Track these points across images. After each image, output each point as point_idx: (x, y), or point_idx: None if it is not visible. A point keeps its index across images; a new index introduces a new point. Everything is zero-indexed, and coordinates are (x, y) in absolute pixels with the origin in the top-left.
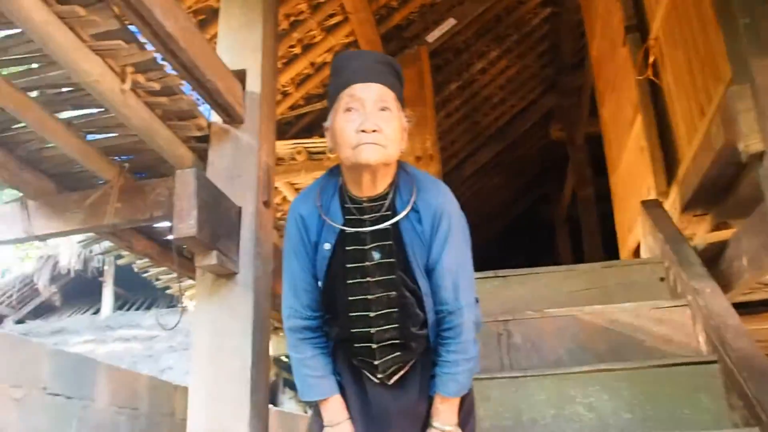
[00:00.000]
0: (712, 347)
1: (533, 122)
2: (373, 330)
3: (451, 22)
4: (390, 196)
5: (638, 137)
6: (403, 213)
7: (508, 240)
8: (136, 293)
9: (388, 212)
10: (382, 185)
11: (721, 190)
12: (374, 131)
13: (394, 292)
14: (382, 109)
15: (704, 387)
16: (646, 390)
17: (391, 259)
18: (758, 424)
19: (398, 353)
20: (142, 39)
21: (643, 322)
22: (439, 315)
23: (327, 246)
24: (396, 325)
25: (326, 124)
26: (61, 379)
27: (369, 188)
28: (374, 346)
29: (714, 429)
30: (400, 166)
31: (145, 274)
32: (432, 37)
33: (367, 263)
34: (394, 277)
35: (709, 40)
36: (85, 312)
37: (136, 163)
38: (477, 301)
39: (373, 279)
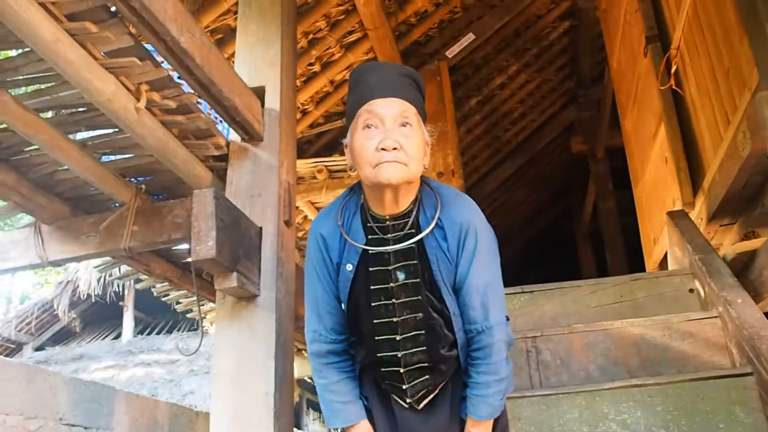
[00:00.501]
0: (746, 359)
1: (554, 136)
2: (400, 354)
3: (470, 37)
4: (413, 213)
5: (662, 148)
6: (427, 230)
7: (530, 255)
8: (157, 317)
9: (412, 230)
10: (404, 203)
11: (747, 199)
12: (395, 149)
13: (420, 314)
14: (403, 125)
15: (739, 400)
16: (680, 405)
17: (416, 279)
18: None
19: (427, 376)
20: (157, 56)
21: (675, 335)
22: (469, 335)
23: (349, 267)
24: (424, 348)
25: (345, 141)
26: (78, 408)
27: (391, 206)
28: (402, 370)
29: None
30: (423, 181)
31: (164, 298)
32: (451, 52)
33: (391, 284)
34: (419, 297)
35: (733, 48)
36: (105, 337)
37: (152, 184)
38: (507, 319)
39: (398, 301)
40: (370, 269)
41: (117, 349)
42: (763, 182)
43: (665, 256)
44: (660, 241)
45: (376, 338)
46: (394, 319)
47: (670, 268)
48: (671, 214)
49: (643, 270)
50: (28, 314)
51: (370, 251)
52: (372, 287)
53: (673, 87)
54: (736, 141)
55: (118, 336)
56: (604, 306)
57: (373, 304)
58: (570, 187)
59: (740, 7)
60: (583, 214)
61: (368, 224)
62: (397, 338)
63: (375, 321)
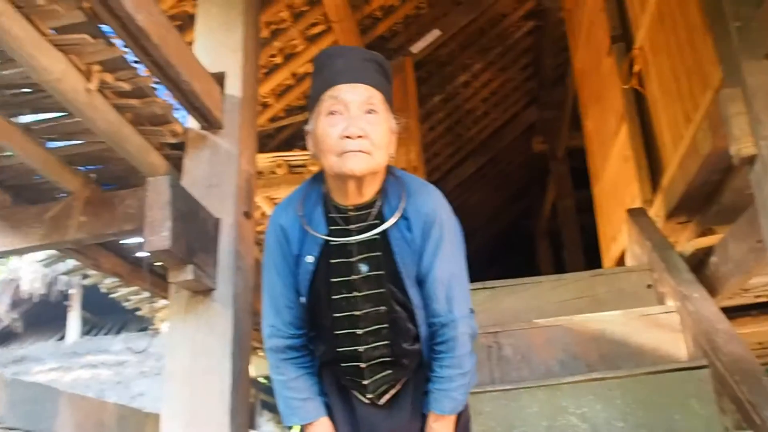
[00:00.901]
0: (702, 352)
1: (515, 135)
2: (361, 348)
3: (435, 33)
4: (378, 203)
5: (623, 147)
6: (392, 221)
7: (491, 253)
8: (105, 317)
9: (376, 221)
10: (369, 192)
11: (705, 197)
12: (360, 137)
13: (383, 307)
14: (369, 112)
15: (695, 392)
16: (638, 398)
17: (380, 272)
18: (752, 428)
19: (389, 371)
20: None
21: (633, 330)
22: (432, 328)
23: (310, 259)
24: (386, 342)
25: (307, 128)
26: (17, 411)
27: (355, 196)
28: (363, 365)
29: None
30: (389, 170)
31: (113, 295)
32: (416, 47)
33: (353, 277)
34: (383, 290)
35: (696, 47)
36: (49, 338)
37: (103, 173)
38: (472, 311)
39: (361, 294)
40: (332, 261)
41: (61, 350)
42: (720, 180)
43: (623, 253)
44: (618, 238)
45: (337, 333)
46: (356, 313)
47: (628, 264)
48: (630, 212)
49: (601, 268)
50: None
51: (332, 242)
52: (333, 280)
53: (636, 87)
54: (697, 139)
55: (63, 337)
56: (564, 301)
57: (334, 297)
58: (530, 187)
59: (705, 6)
60: (542, 213)
61: (330, 215)
62: (359, 332)
63: (336, 315)
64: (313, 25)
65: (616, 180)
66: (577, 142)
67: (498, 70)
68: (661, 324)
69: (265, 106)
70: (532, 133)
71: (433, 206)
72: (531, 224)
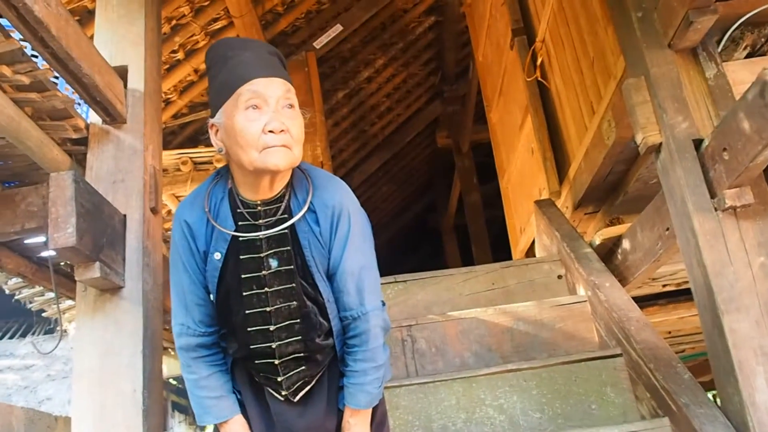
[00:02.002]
0: (615, 340)
1: (419, 131)
2: (274, 345)
3: (337, 28)
4: (285, 197)
5: (528, 139)
6: (299, 214)
7: (398, 248)
8: (9, 319)
9: (284, 215)
10: (278, 187)
11: (611, 187)
12: (282, 131)
13: (294, 302)
14: (287, 107)
15: (610, 381)
16: (554, 388)
17: (290, 266)
18: (668, 414)
19: (303, 367)
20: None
21: (546, 320)
22: (344, 322)
23: (217, 255)
24: (299, 338)
25: (215, 121)
26: None
27: (265, 192)
28: (277, 361)
29: (623, 422)
30: None
31: (17, 297)
32: (319, 42)
33: (263, 272)
34: (293, 285)
35: (598, 39)
36: None
37: (3, 170)
38: (383, 304)
39: (272, 289)
40: (241, 257)
41: None
42: (626, 170)
43: (531, 245)
44: (527, 230)
45: (249, 329)
46: (268, 309)
47: (538, 255)
48: (538, 203)
49: (510, 260)
50: None
51: (241, 238)
52: (243, 276)
53: (539, 79)
54: (601, 130)
55: None
56: (476, 293)
57: (244, 293)
58: (436, 181)
59: None
60: (448, 208)
61: (238, 210)
62: (271, 328)
63: (247, 311)
64: (215, 20)
65: (522, 172)
66: (481, 136)
67: (401, 66)
68: (572, 314)
69: (168, 102)
70: (436, 127)
71: (340, 198)
72: (437, 219)
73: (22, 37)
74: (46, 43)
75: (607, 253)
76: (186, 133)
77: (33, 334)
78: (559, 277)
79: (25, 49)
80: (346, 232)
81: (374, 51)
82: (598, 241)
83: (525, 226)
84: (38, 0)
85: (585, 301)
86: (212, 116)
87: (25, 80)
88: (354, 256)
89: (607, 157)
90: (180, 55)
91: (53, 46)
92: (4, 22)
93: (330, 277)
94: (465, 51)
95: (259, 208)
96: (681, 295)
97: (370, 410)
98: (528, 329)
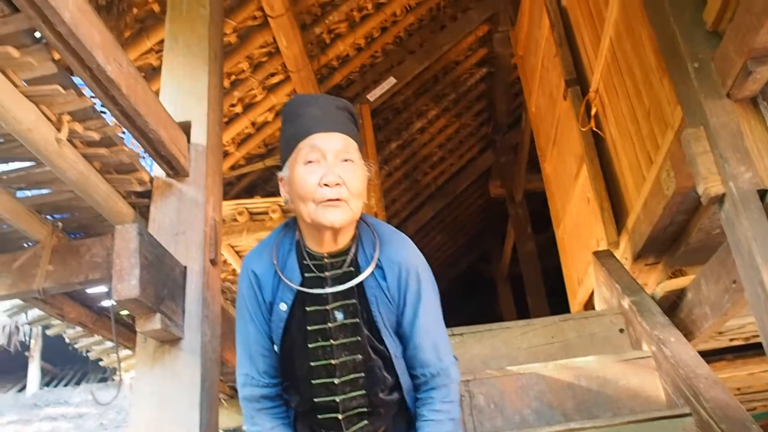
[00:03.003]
0: (683, 399)
1: (472, 180)
2: (338, 398)
3: (391, 81)
4: (352, 251)
5: (584, 189)
6: (368, 271)
7: (451, 299)
8: (65, 368)
9: (351, 268)
10: (343, 240)
11: (672, 238)
12: (337, 185)
13: (359, 356)
14: (345, 161)
15: None
16: None
17: (355, 320)
18: None
19: (366, 422)
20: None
21: (608, 376)
22: (422, 379)
23: (283, 306)
24: (363, 392)
25: (281, 174)
26: None
27: (330, 244)
28: (340, 416)
29: None
30: (361, 217)
31: (76, 345)
32: (373, 95)
33: (329, 324)
34: (359, 338)
35: (653, 89)
36: (9, 390)
37: (70, 221)
38: (456, 359)
39: (337, 342)
40: (307, 309)
41: (21, 402)
42: (687, 220)
43: (590, 297)
44: (585, 281)
45: (313, 382)
46: (332, 362)
47: (597, 308)
48: (597, 254)
49: (566, 312)
50: None
51: (308, 290)
52: (309, 328)
53: (594, 129)
54: (660, 180)
55: (23, 388)
56: (535, 347)
57: (309, 345)
58: (489, 231)
59: (661, 47)
60: (502, 258)
61: (304, 262)
62: (336, 382)
63: (312, 363)
64: (272, 75)
65: (578, 222)
66: (535, 185)
67: (453, 116)
68: (637, 370)
69: (226, 154)
70: (489, 177)
71: (407, 256)
72: (491, 268)
73: (92, 94)
74: (117, 101)
75: (671, 306)
76: (243, 184)
77: (87, 381)
78: (621, 330)
79: (95, 106)
80: (416, 290)
81: (427, 102)
82: (660, 294)
83: (583, 277)
84: (111, 60)
85: (649, 356)
86: (281, 169)
87: (96, 136)
88: (427, 314)
89: (666, 207)
90: (238, 109)
91: (123, 103)
92: (77, 80)
93: (401, 334)
94: (517, 101)
95: (325, 260)
96: (750, 350)
97: None
98: (590, 386)
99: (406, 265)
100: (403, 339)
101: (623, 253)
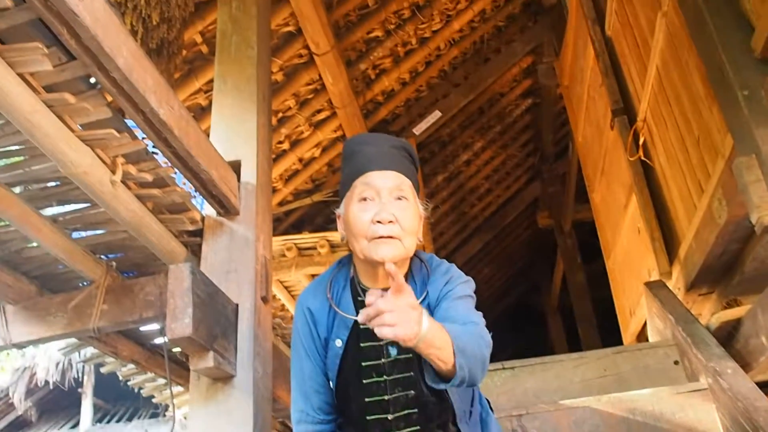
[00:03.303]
0: None
1: (520, 211)
2: None
3: (436, 114)
4: None
5: (634, 219)
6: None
7: (500, 332)
8: (117, 404)
9: None
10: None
11: (725, 267)
12: (390, 222)
13: (412, 391)
14: (399, 198)
15: None
16: None
17: (409, 355)
18: None
19: None
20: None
21: (664, 409)
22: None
23: (339, 343)
24: (417, 428)
25: (338, 211)
26: None
27: (384, 280)
28: None
29: None
30: (415, 254)
31: (129, 383)
32: (418, 129)
33: (383, 360)
34: (411, 374)
35: (702, 117)
36: (62, 426)
37: (124, 261)
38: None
39: (390, 377)
40: (362, 345)
41: None
42: (740, 249)
43: (643, 328)
44: (637, 312)
45: (368, 418)
46: (386, 397)
47: (650, 339)
48: (649, 285)
49: (618, 343)
50: None
51: (362, 326)
52: (363, 363)
53: (642, 158)
54: (712, 209)
55: (76, 425)
56: (588, 381)
57: (364, 381)
58: (538, 262)
59: (709, 75)
60: (552, 289)
61: (359, 298)
62: (390, 417)
63: (366, 399)
64: (318, 111)
65: (629, 252)
66: (583, 215)
67: (499, 148)
68: (693, 402)
69: (274, 190)
70: (537, 208)
71: (449, 272)
72: (541, 300)
73: (145, 136)
74: (169, 142)
75: (726, 336)
76: (291, 219)
77: (139, 418)
78: (676, 362)
79: (148, 148)
80: (451, 288)
81: (472, 134)
82: (715, 325)
83: (635, 308)
84: (163, 104)
85: (706, 388)
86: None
87: (149, 177)
88: (460, 301)
89: (719, 236)
90: (286, 146)
91: (175, 145)
92: (130, 123)
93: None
94: (563, 131)
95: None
96: None
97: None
98: (646, 419)
99: (447, 276)
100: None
101: (676, 284)
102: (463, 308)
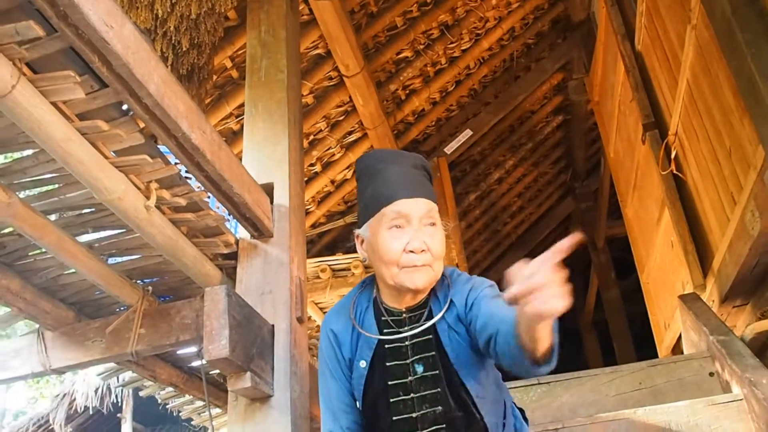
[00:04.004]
0: None
1: (552, 228)
2: None
3: (467, 133)
4: (429, 303)
5: (667, 233)
6: (441, 313)
7: None
8: (156, 428)
9: (428, 321)
10: (421, 296)
11: (760, 279)
12: (423, 251)
13: (439, 407)
14: (429, 225)
15: None
16: None
17: (435, 371)
18: None
19: None
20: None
21: (700, 420)
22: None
23: (363, 363)
24: None
25: (360, 232)
26: None
27: (408, 301)
28: None
29: None
30: None
31: (168, 406)
32: (450, 148)
33: (409, 378)
34: (439, 390)
35: (733, 129)
36: None
37: (160, 285)
38: None
39: (417, 395)
40: (387, 364)
41: None
42: None
43: (678, 341)
44: (671, 326)
45: None
46: (414, 415)
47: (685, 352)
48: (683, 298)
49: (654, 358)
50: (23, 430)
51: (387, 346)
52: (390, 382)
53: (674, 172)
54: (745, 220)
55: None
56: (623, 394)
57: (391, 400)
58: (572, 279)
59: (739, 87)
60: (586, 305)
61: (383, 318)
62: None
63: (394, 418)
64: (349, 133)
65: (663, 266)
66: (616, 230)
67: (531, 165)
68: (729, 414)
69: (307, 213)
70: (570, 224)
71: (467, 278)
72: (575, 317)
73: (178, 161)
74: (202, 167)
75: (761, 347)
76: (324, 241)
77: None
78: (711, 374)
79: (181, 173)
80: (476, 292)
81: (504, 153)
82: (750, 336)
83: (669, 321)
84: (195, 129)
85: (741, 399)
86: (359, 227)
87: (182, 202)
88: (490, 299)
89: (753, 248)
90: (318, 168)
91: (208, 169)
92: (163, 149)
93: (477, 331)
94: (594, 147)
95: (404, 315)
96: None
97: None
98: (681, 431)
99: (470, 285)
100: (479, 328)
101: (710, 296)
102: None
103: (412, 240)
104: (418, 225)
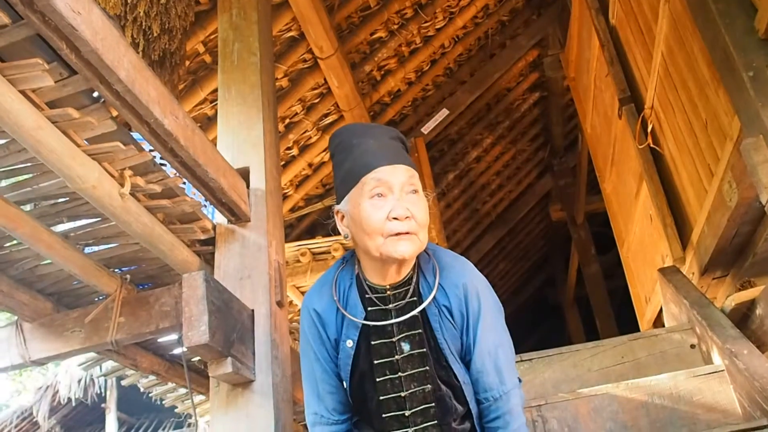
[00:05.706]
0: (759, 411)
1: (532, 205)
2: (410, 430)
3: (444, 112)
4: (414, 280)
5: (645, 207)
6: (429, 298)
7: (518, 326)
8: (141, 416)
9: (414, 298)
10: (405, 271)
11: (738, 250)
12: (407, 218)
13: (428, 386)
14: (411, 192)
15: None
16: None
17: (422, 350)
18: None
19: None
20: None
21: (682, 393)
22: (485, 403)
23: (350, 343)
24: (435, 422)
25: (340, 207)
26: None
27: (393, 276)
28: None
29: None
30: None
31: (151, 394)
32: (427, 128)
33: (396, 357)
34: (426, 368)
35: (709, 101)
36: None
37: (138, 273)
38: (520, 381)
39: (405, 373)
40: (373, 343)
41: None
42: (752, 231)
43: (659, 314)
44: (652, 299)
45: (384, 416)
46: (402, 394)
47: (666, 325)
48: (663, 271)
49: (636, 332)
50: (7, 423)
51: (372, 323)
52: (376, 362)
53: (651, 145)
54: (722, 192)
55: None
56: (605, 368)
57: (378, 379)
58: (552, 255)
59: (714, 58)
60: (567, 281)
61: (366, 295)
62: (406, 414)
63: (381, 397)
64: (325, 115)
65: (642, 240)
66: (595, 206)
67: (509, 143)
68: (710, 385)
69: (285, 196)
70: (549, 201)
71: (468, 278)
72: (557, 293)
73: (152, 148)
74: (176, 152)
75: (741, 318)
76: (303, 225)
77: (163, 429)
78: (692, 346)
79: (155, 159)
80: (477, 311)
81: (481, 131)
82: (730, 307)
83: (650, 295)
84: (167, 114)
85: (722, 370)
86: (338, 203)
87: (157, 188)
88: (488, 335)
89: (731, 219)
90: (294, 151)
91: (182, 155)
92: (136, 136)
93: (465, 358)
94: (572, 123)
95: (388, 292)
96: None
97: None
98: (664, 403)
99: (467, 286)
100: (467, 363)
101: (690, 269)
102: (494, 360)
103: (395, 207)
104: (400, 193)
